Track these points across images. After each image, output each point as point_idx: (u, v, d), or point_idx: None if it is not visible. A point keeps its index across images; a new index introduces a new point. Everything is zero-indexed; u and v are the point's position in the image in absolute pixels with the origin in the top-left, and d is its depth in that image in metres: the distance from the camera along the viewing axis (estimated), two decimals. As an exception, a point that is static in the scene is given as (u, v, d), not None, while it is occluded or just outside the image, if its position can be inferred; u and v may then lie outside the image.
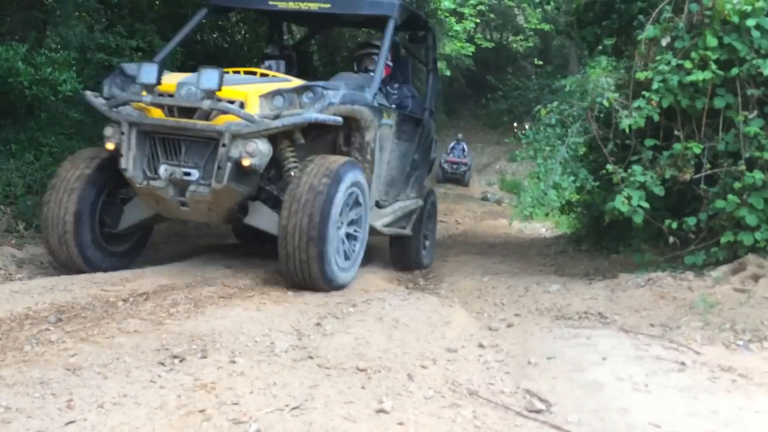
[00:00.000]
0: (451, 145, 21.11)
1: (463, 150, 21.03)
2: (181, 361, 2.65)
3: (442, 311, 4.18)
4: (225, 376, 2.51)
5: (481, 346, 3.51)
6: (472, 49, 22.05)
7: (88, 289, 3.98)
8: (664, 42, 4.71)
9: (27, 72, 5.66)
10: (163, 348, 2.84)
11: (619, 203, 4.51)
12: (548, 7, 6.83)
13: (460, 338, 3.62)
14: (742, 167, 4.35)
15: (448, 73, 21.38)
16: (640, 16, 5.29)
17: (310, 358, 2.93)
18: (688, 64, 4.49)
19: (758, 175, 4.28)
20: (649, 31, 4.76)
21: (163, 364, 2.61)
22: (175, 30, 9.57)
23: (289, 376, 2.62)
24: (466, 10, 21.89)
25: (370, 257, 6.84)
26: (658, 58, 4.69)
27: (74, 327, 3.14)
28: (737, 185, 4.34)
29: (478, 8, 22.44)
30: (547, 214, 10.66)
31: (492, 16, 23.99)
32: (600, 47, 6.84)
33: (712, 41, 4.44)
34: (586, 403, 2.54)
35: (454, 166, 20.50)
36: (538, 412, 2.49)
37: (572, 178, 4.88)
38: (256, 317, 3.56)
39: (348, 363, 2.88)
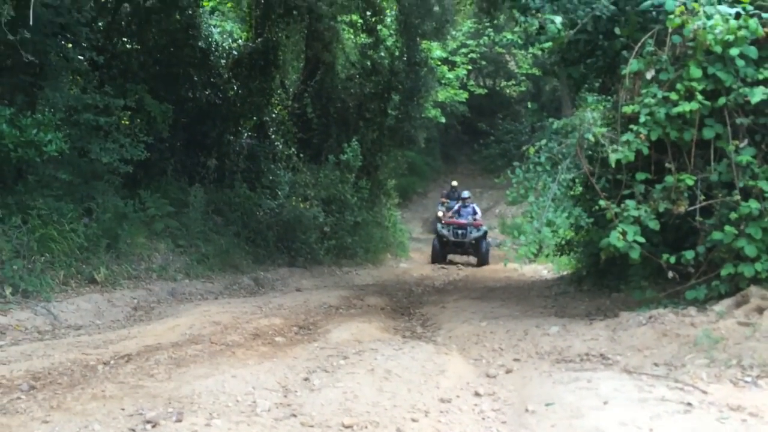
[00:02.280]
0: (456, 206, 14.46)
1: (474, 212, 14.16)
2: (153, 426, 2.50)
3: (438, 359, 4.01)
4: (199, 440, 2.36)
5: (477, 394, 3.35)
6: (465, 95, 22.33)
7: (68, 353, 3.84)
8: (649, 75, 4.67)
9: (12, 134, 5.65)
10: (136, 413, 2.69)
11: (615, 239, 4.39)
12: (531, 50, 6.82)
13: (456, 387, 3.46)
14: (737, 197, 4.25)
15: (443, 120, 21.60)
16: (624, 52, 5.27)
17: (293, 416, 2.78)
18: (674, 96, 4.44)
19: (754, 205, 4.17)
20: (633, 65, 4.73)
21: (133, 430, 2.46)
22: (167, 89, 9.72)
23: (268, 437, 2.46)
24: (457, 59, 22.27)
25: (365, 308, 6.70)
26: (643, 91, 4.64)
27: (47, 394, 2.99)
28: (733, 216, 4.23)
29: (469, 56, 22.83)
30: (547, 255, 10.54)
31: (483, 63, 24.37)
32: (587, 86, 6.83)
33: (697, 72, 4.40)
34: (585, 453, 2.37)
35: (460, 232, 13.47)
36: (534, 465, 2.33)
37: (565, 214, 4.77)
38: (241, 375, 3.40)
39: (333, 420, 2.72)
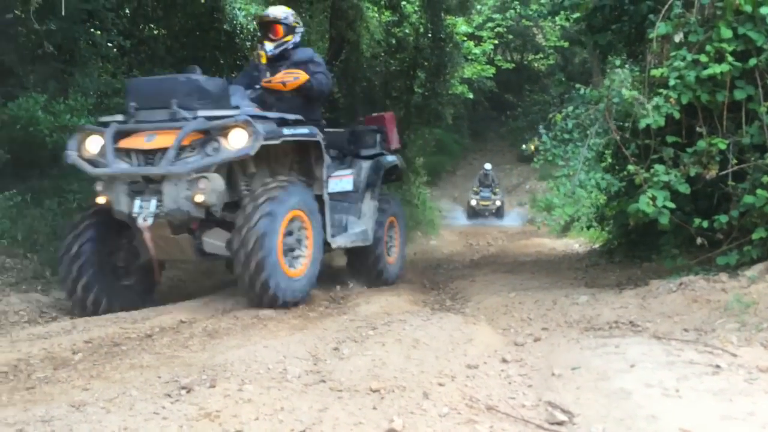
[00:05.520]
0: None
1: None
2: (188, 392, 2.58)
3: (465, 329, 4.04)
4: (231, 404, 2.43)
5: (504, 361, 3.37)
6: (492, 70, 22.04)
7: (106, 328, 3.96)
8: (677, 38, 4.57)
9: (47, 120, 5.80)
10: (172, 380, 2.78)
11: (644, 204, 4.35)
12: (558, 20, 6.72)
13: (483, 355, 3.48)
14: (770, 160, 4.17)
15: (470, 96, 21.38)
16: (651, 16, 5.16)
17: (323, 381, 2.84)
18: (703, 58, 4.35)
19: (787, 167, 4.09)
20: (661, 28, 4.63)
21: (169, 395, 2.55)
22: (194, 73, 9.81)
23: (298, 401, 2.53)
24: (484, 33, 21.97)
25: (395, 283, 6.74)
26: (672, 54, 4.55)
27: (86, 365, 3.11)
28: (766, 179, 4.15)
29: (495, 30, 22.52)
30: (581, 229, 10.43)
31: (510, 37, 24.01)
32: (614, 54, 6.71)
33: (727, 33, 4.30)
34: (611, 412, 2.38)
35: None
36: (560, 423, 2.35)
37: (599, 175, 4.77)
38: (272, 345, 3.48)
39: (361, 384, 2.77)
